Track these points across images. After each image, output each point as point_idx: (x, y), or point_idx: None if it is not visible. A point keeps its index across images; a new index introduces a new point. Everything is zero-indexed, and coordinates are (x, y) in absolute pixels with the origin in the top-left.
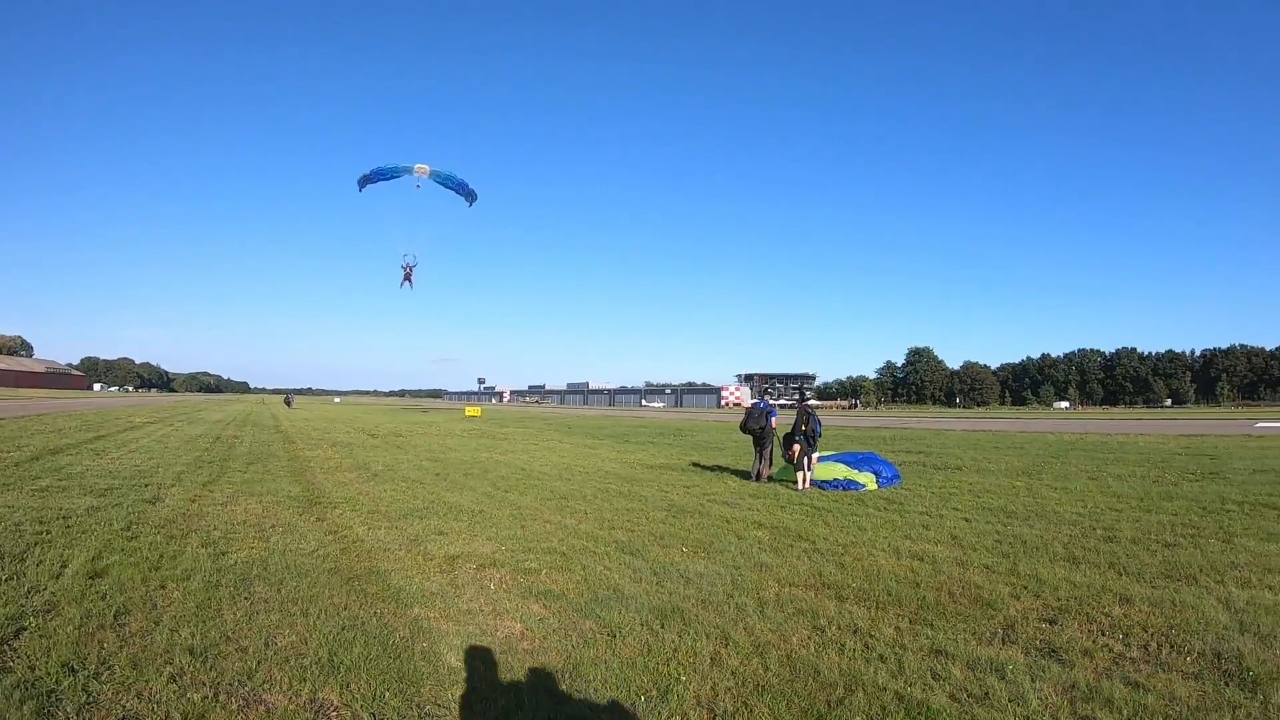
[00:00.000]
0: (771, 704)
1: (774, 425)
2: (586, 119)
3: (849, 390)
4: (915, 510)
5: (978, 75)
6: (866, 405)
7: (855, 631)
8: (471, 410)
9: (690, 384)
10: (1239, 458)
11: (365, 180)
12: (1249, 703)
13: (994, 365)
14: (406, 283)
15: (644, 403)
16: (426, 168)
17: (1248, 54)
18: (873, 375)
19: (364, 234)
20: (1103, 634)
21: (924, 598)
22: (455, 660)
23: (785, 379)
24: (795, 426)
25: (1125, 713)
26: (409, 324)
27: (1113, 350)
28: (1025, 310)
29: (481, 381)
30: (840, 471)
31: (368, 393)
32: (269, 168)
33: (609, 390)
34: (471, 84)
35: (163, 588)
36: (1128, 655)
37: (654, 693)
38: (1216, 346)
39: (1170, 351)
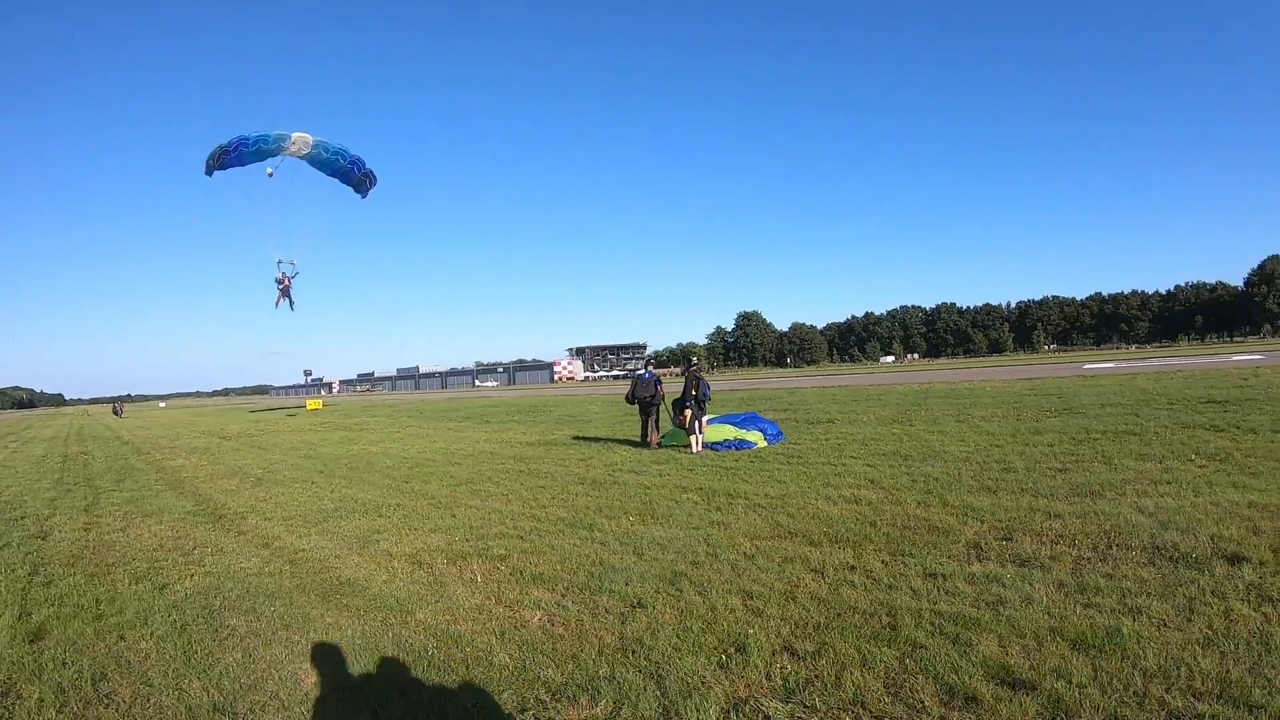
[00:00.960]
0: (842, 638)
1: (663, 392)
2: (395, 95)
3: (679, 356)
4: (818, 462)
5: (792, 32)
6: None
7: (851, 569)
8: (313, 403)
9: (521, 361)
10: (1082, 395)
11: (221, 158)
12: (1202, 578)
13: (821, 325)
14: (285, 299)
15: (477, 383)
16: (308, 138)
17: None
18: (703, 340)
19: (178, 224)
20: (1055, 544)
21: (887, 534)
22: (509, 658)
23: (617, 349)
24: (685, 392)
25: (1115, 595)
26: (229, 318)
27: (933, 305)
28: (849, 271)
29: (308, 374)
30: (730, 432)
31: (190, 395)
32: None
33: (440, 373)
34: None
35: (123, 639)
36: (1085, 556)
37: (731, 650)
38: (1031, 298)
39: (988, 305)
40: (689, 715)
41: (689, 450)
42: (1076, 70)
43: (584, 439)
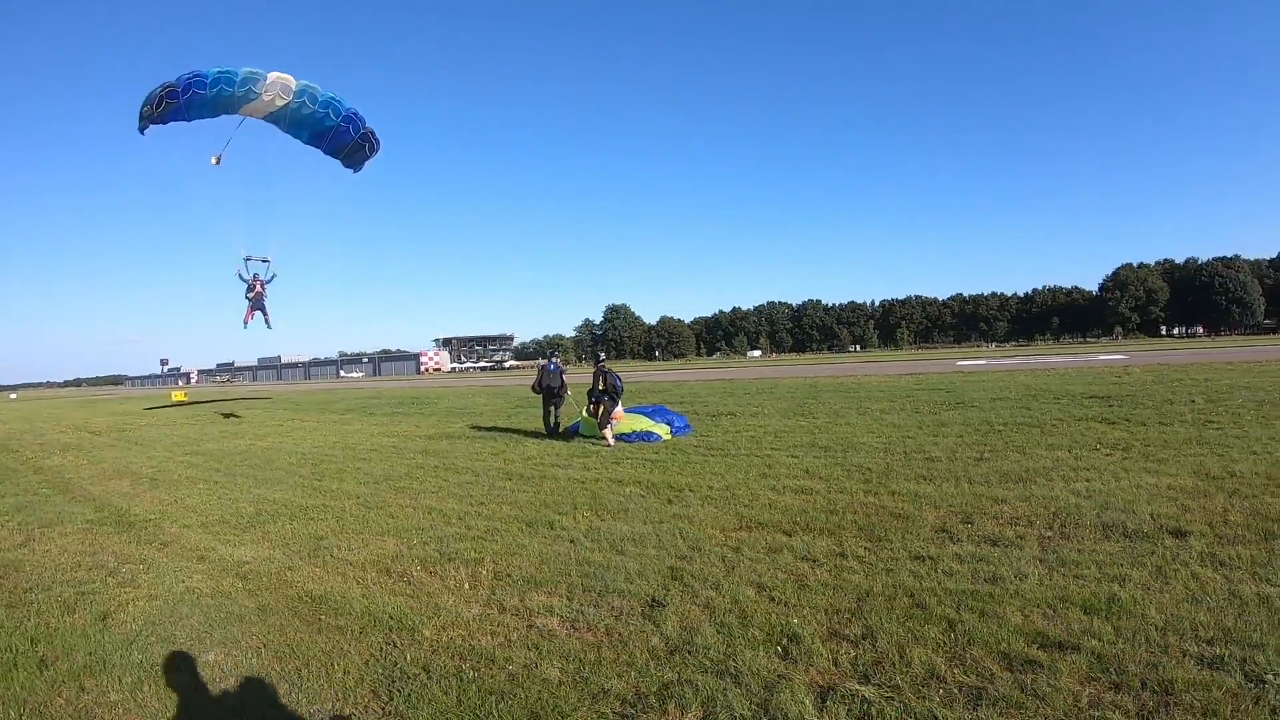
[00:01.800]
0: (882, 620)
1: (565, 382)
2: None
3: (545, 348)
4: (742, 454)
5: (647, 19)
6: (566, 363)
7: (841, 556)
8: (178, 395)
9: (387, 351)
10: (970, 390)
11: (163, 105)
12: (1159, 549)
13: (689, 319)
14: (257, 312)
15: (342, 373)
16: (290, 81)
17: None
18: (571, 333)
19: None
20: (1013, 525)
21: (855, 521)
22: (558, 672)
23: (484, 340)
24: (594, 385)
25: (1093, 567)
26: (79, 304)
27: (800, 302)
28: (718, 267)
29: (164, 363)
30: (641, 423)
31: (40, 385)
32: None
33: (303, 363)
34: None
35: (84, 689)
36: (1047, 535)
37: (785, 641)
38: (895, 297)
39: (853, 302)
40: (790, 709)
41: (603, 442)
42: (936, 77)
43: (483, 431)
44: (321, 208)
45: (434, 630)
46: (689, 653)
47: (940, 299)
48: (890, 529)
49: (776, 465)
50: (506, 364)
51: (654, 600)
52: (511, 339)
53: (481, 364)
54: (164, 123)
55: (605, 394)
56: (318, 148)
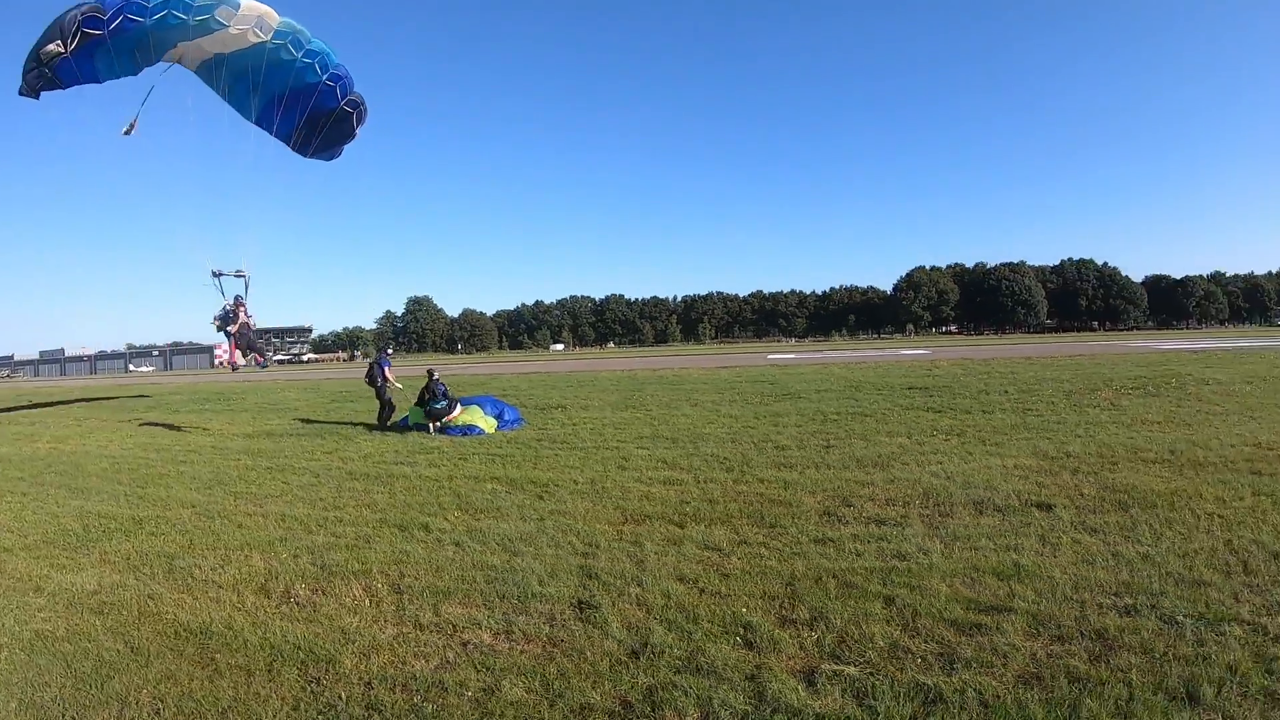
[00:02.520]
0: (817, 600)
1: (390, 375)
2: None
3: (347, 341)
4: (590, 446)
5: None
6: (367, 356)
7: (744, 544)
8: None
9: (178, 344)
10: (792, 382)
11: (78, 41)
12: (1033, 521)
13: (491, 312)
14: (246, 357)
15: (131, 367)
16: (270, 15)
17: None
18: (372, 325)
19: None
20: (890, 506)
21: (741, 509)
22: (524, 691)
23: (282, 333)
24: (422, 396)
25: (984, 539)
26: None
27: (603, 296)
28: (521, 259)
29: None
30: (467, 417)
31: None
32: None
33: (89, 356)
34: None
35: None
36: (927, 513)
37: (742, 630)
38: (697, 293)
39: (655, 297)
40: (785, 696)
41: (430, 434)
42: (738, 79)
43: (307, 428)
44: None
45: (355, 659)
46: (653, 654)
47: (741, 295)
48: (779, 515)
49: (632, 457)
50: (305, 357)
51: (582, 602)
52: (309, 331)
53: (280, 357)
54: (63, 83)
55: (440, 390)
56: (275, 117)
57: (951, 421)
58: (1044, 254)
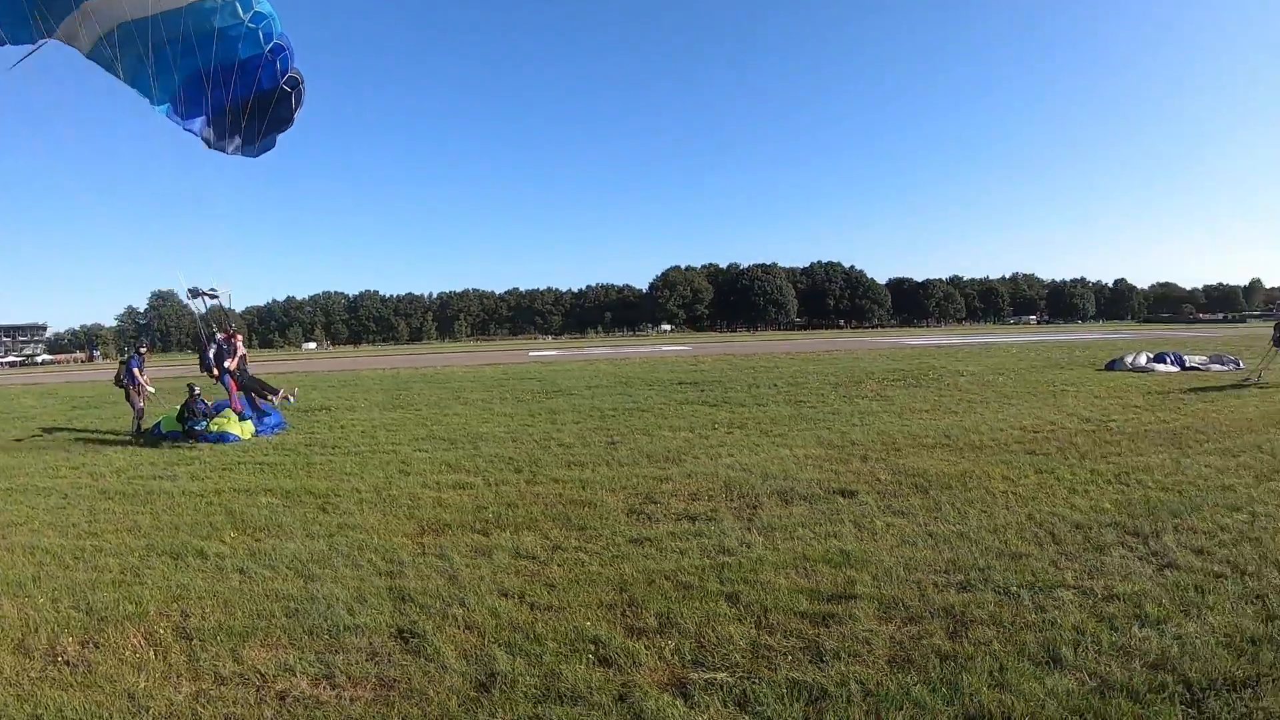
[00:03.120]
0: (658, 604)
1: (142, 378)
2: None
3: (85, 340)
4: (365, 450)
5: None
6: (106, 356)
7: (558, 549)
8: None
9: None
10: (561, 378)
11: None
12: (842, 508)
13: (240, 309)
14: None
15: None
16: None
17: None
18: (113, 323)
19: None
20: (696, 500)
21: (544, 512)
22: None
23: (12, 330)
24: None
25: (801, 528)
26: None
27: (356, 292)
28: (272, 251)
29: None
30: (224, 422)
31: None
32: None
33: None
34: None
35: None
36: (735, 505)
37: (592, 645)
38: (453, 290)
39: (411, 294)
40: (665, 713)
41: (187, 443)
42: (496, 75)
43: (47, 439)
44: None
45: None
46: (505, 685)
47: (498, 293)
48: (585, 517)
49: (412, 461)
50: (39, 358)
51: (404, 631)
52: (44, 329)
53: (11, 358)
54: None
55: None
56: (189, 104)
57: (729, 415)
58: (794, 256)
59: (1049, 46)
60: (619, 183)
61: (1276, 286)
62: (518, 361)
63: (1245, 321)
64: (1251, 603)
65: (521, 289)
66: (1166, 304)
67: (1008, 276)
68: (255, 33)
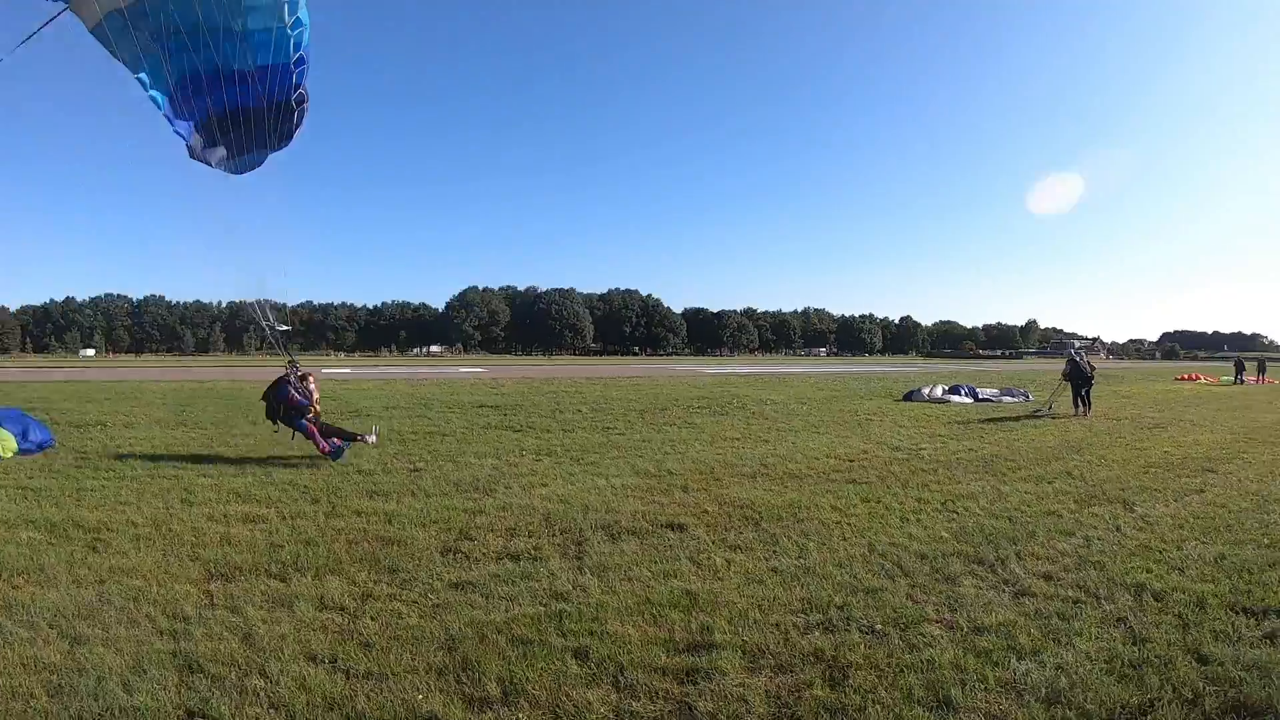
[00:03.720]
0: (498, 666)
1: None
2: None
3: None
4: (140, 475)
5: None
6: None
7: (370, 598)
8: None
9: None
10: (357, 398)
11: None
12: (674, 542)
13: (15, 306)
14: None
15: None
16: None
17: None
18: None
19: None
20: (515, 537)
21: (347, 553)
22: None
23: None
24: None
25: (640, 567)
26: None
27: (141, 296)
28: (47, 248)
29: None
30: None
31: None
32: None
33: None
34: None
35: None
36: (560, 543)
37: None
38: (242, 299)
39: (199, 301)
40: None
41: None
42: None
43: None
44: None
45: None
46: None
47: (290, 305)
48: (395, 557)
49: (196, 488)
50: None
51: (194, 714)
52: None
53: None
54: None
55: None
56: (191, 105)
57: (536, 441)
58: (592, 282)
59: (839, 94)
60: (420, 198)
61: (1051, 327)
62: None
63: (1022, 358)
64: (1115, 626)
65: (315, 302)
66: (948, 340)
67: (800, 310)
68: (288, 39)
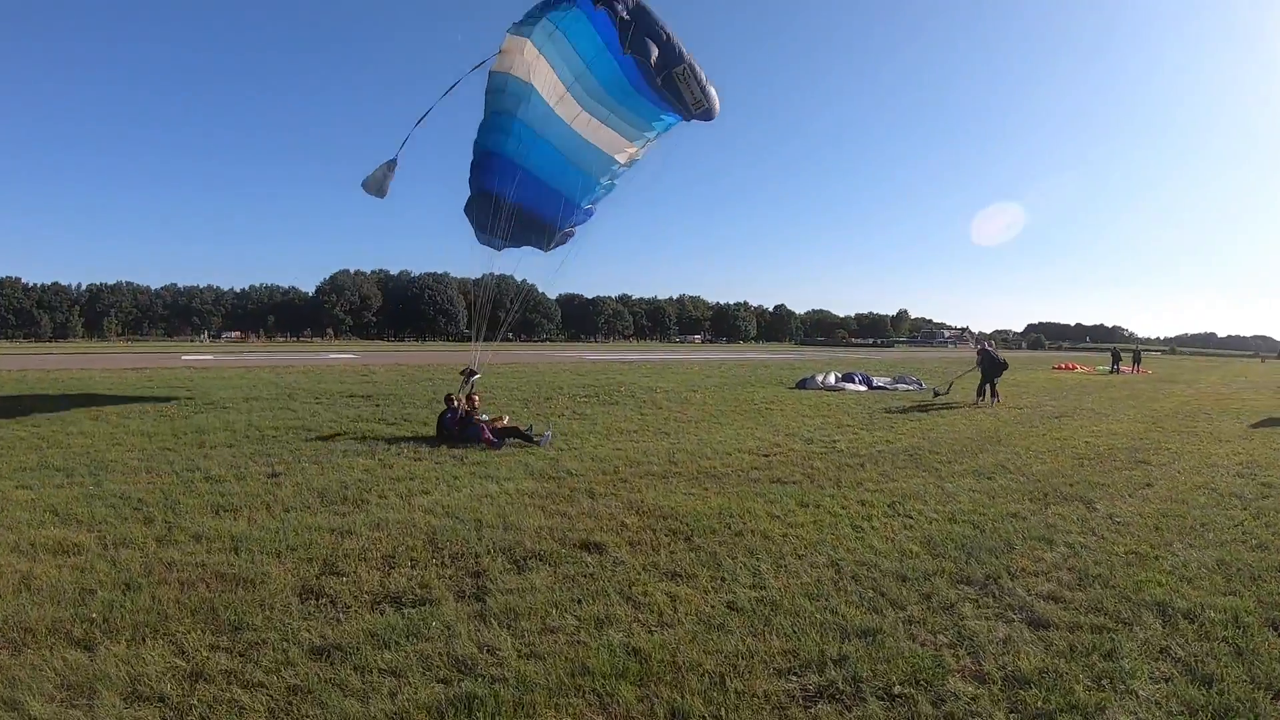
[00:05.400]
0: None
1: None
2: None
3: None
4: None
5: None
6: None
7: (205, 679)
8: None
9: None
10: (214, 388)
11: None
12: (589, 567)
13: None
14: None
15: None
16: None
17: None
18: None
19: None
20: (394, 569)
21: (180, 599)
22: None
23: None
24: None
25: (562, 614)
26: None
27: None
28: None
29: None
30: None
31: None
32: None
33: None
34: None
35: None
36: (453, 576)
37: None
38: (104, 282)
39: (56, 284)
40: None
41: None
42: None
43: None
44: None
45: None
46: None
47: (154, 288)
48: (241, 606)
49: (7, 504)
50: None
51: None
52: None
53: None
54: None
55: None
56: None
57: (411, 436)
58: (467, 267)
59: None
60: (287, 179)
61: (920, 317)
62: (168, 365)
63: (894, 346)
64: (1165, 660)
65: (180, 285)
66: (821, 328)
67: (674, 297)
68: (596, 192)
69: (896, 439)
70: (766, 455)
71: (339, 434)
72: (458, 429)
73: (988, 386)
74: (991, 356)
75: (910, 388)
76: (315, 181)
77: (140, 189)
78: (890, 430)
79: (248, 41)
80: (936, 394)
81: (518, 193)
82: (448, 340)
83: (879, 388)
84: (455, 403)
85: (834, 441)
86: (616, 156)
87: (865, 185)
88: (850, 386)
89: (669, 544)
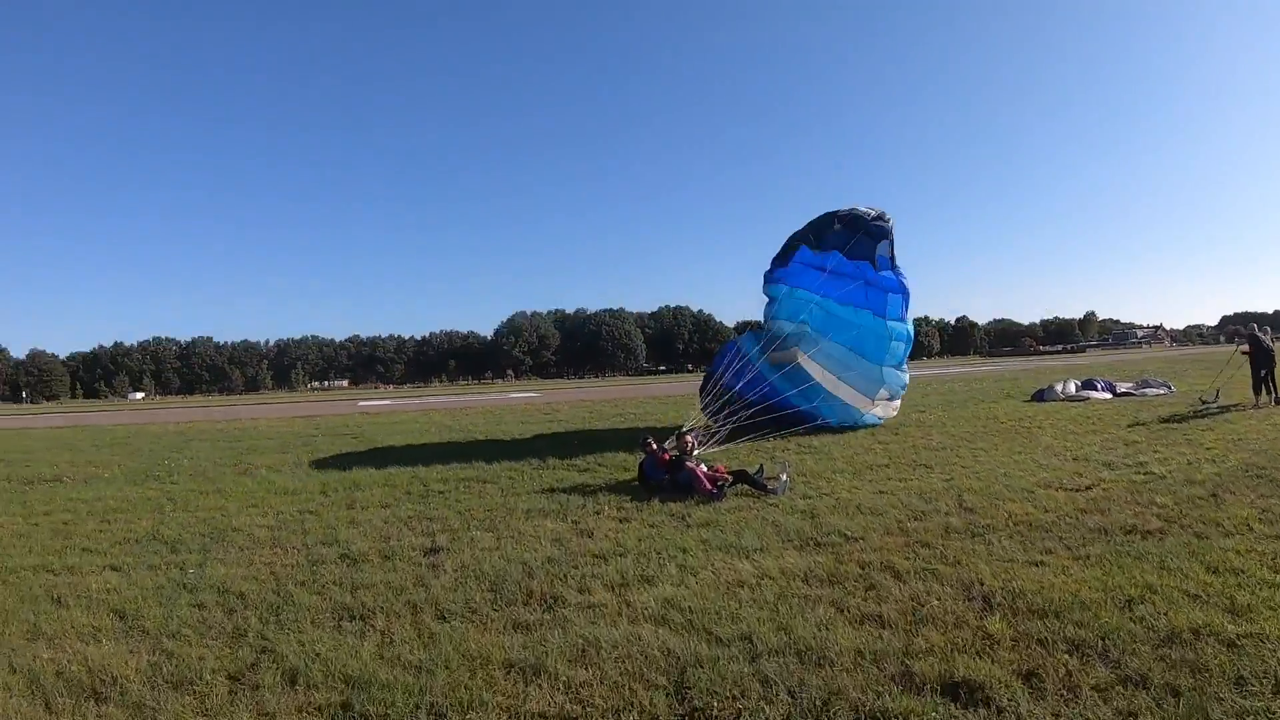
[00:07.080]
0: None
1: None
2: None
3: None
4: (25, 567)
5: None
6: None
7: None
8: None
9: None
10: (381, 434)
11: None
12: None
13: (64, 355)
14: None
15: None
16: None
17: None
18: None
19: None
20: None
21: None
22: None
23: None
24: None
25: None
26: None
27: (189, 339)
28: (97, 295)
29: None
30: None
31: None
32: None
33: None
34: None
35: None
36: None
37: None
38: (290, 337)
39: (246, 341)
40: None
41: None
42: (341, 116)
43: None
44: None
45: None
46: None
47: (337, 340)
48: None
49: (74, 600)
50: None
51: None
52: None
53: None
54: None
55: None
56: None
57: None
58: (642, 301)
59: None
60: (463, 225)
61: (1109, 318)
62: (341, 413)
63: (1085, 351)
64: None
65: (363, 336)
66: (1006, 337)
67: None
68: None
69: (1218, 456)
70: (1080, 490)
71: (519, 486)
72: (668, 476)
73: (1262, 383)
74: (1261, 344)
75: (1160, 391)
76: (486, 227)
77: (325, 252)
78: (1191, 446)
79: (416, 74)
80: (1205, 402)
81: None
82: (628, 375)
83: (1125, 394)
84: (653, 446)
85: (1143, 464)
86: None
87: (1047, 180)
88: (1094, 395)
89: (1081, 670)
